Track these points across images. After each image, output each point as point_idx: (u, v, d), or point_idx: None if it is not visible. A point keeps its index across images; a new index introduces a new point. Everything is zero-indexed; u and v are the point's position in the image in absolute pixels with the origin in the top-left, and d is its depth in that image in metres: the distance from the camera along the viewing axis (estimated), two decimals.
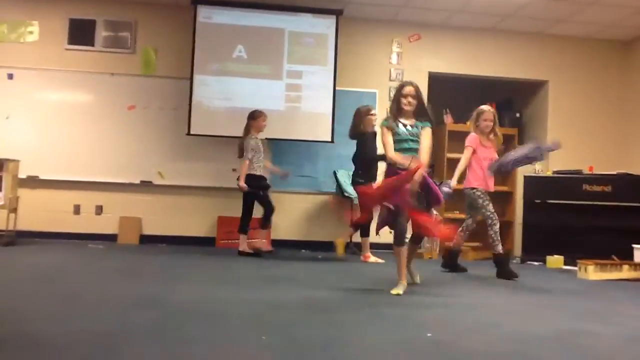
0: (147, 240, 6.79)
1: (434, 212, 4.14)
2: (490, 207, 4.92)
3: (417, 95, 3.92)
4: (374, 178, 5.55)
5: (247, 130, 6.01)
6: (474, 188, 5.01)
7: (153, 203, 6.90)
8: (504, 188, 7.13)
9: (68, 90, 6.88)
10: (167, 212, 6.92)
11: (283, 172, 6.29)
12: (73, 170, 6.75)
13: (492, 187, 5.04)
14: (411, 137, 3.88)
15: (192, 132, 6.73)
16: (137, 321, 2.69)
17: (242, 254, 5.89)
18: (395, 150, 3.88)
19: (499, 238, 4.91)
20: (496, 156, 5.02)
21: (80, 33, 6.92)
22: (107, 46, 6.97)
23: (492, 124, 5.03)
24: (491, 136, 5.08)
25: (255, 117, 6.02)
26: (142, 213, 6.88)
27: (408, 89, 3.92)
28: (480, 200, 4.95)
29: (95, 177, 6.78)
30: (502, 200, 6.97)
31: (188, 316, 2.86)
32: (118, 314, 2.84)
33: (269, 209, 5.92)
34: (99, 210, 6.83)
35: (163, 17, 7.05)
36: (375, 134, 5.57)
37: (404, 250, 3.89)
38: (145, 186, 6.88)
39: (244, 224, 5.96)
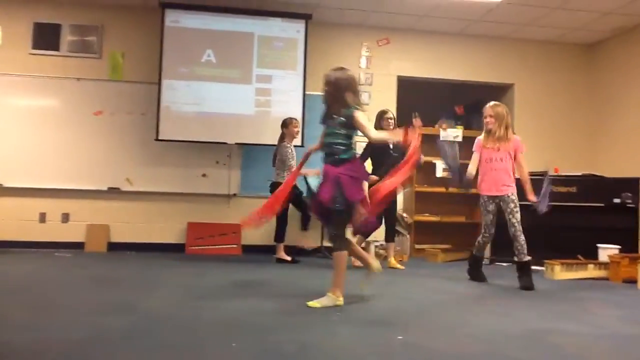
0: (115, 247, 6.67)
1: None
2: (488, 218, 4.72)
3: (328, 82, 3.55)
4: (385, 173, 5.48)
5: (282, 138, 6.04)
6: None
7: (121, 210, 6.79)
8: (472, 190, 7.12)
9: (33, 96, 6.72)
10: (136, 219, 6.81)
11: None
12: (38, 178, 6.59)
13: (502, 191, 4.62)
14: (331, 130, 3.62)
15: (160, 138, 6.65)
16: (109, 328, 2.67)
17: (279, 260, 5.99)
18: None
19: (483, 247, 4.92)
20: (503, 156, 4.63)
21: (45, 37, 6.77)
22: (73, 51, 6.83)
23: (492, 119, 4.64)
24: (497, 135, 4.64)
25: (287, 125, 6.04)
26: (110, 220, 6.76)
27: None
28: (482, 208, 4.81)
29: (61, 185, 6.63)
30: (471, 201, 7.04)
31: (160, 323, 2.84)
32: (90, 322, 2.81)
33: (283, 223, 6.01)
34: (65, 218, 6.69)
35: (130, 21, 6.96)
36: None
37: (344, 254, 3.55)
38: (113, 193, 6.76)
39: (304, 226, 6.17)
